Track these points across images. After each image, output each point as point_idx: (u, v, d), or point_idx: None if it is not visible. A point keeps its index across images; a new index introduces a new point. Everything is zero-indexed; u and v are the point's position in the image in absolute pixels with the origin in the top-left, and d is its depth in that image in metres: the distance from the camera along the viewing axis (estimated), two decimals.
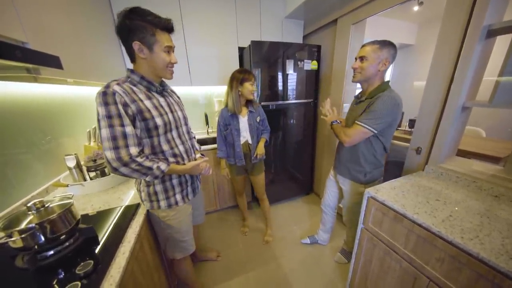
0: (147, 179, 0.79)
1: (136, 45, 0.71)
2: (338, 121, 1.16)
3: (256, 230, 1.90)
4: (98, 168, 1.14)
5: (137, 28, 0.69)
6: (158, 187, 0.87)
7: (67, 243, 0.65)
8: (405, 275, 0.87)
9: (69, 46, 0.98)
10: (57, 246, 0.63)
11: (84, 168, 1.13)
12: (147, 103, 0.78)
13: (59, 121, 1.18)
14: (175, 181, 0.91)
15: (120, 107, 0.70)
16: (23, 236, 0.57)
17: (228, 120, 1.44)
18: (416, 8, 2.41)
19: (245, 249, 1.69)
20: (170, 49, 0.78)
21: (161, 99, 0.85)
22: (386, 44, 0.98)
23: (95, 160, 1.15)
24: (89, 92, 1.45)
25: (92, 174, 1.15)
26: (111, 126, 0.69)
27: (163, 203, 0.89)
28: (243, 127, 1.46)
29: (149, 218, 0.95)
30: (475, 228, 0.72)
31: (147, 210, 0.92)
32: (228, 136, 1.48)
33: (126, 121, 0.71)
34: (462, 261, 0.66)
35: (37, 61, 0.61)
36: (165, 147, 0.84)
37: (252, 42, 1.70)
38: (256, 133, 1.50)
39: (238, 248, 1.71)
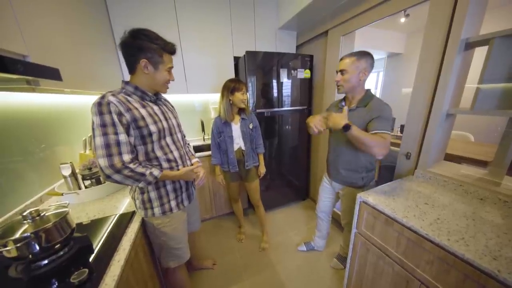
0: (140, 185, 0.81)
1: (143, 62, 0.77)
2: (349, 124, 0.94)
3: (252, 237, 1.89)
4: (93, 176, 1.14)
5: (147, 49, 0.76)
6: (153, 194, 0.89)
7: (61, 252, 0.65)
8: (398, 279, 0.89)
9: (68, 57, 1.01)
10: (52, 255, 0.63)
11: (79, 177, 1.13)
12: (142, 111, 0.80)
13: (55, 130, 1.19)
14: (169, 187, 0.92)
15: (115, 116, 0.72)
16: (18, 245, 0.57)
17: (221, 127, 1.47)
18: (403, 19, 2.55)
19: (242, 257, 1.68)
20: (171, 69, 0.86)
21: (155, 107, 0.88)
22: (363, 54, 1.03)
23: (90, 168, 1.15)
24: (85, 101, 1.47)
25: (87, 182, 1.15)
26: (105, 134, 0.72)
27: (157, 210, 0.90)
28: (236, 134, 1.49)
29: (144, 226, 0.95)
30: (461, 230, 0.75)
31: (142, 218, 0.92)
32: (221, 143, 1.51)
33: (120, 129, 0.74)
34: (450, 263, 0.69)
35: (38, 74, 0.63)
36: (159, 153, 0.86)
37: (247, 52, 1.76)
38: (249, 139, 1.53)
39: (234, 256, 1.69)
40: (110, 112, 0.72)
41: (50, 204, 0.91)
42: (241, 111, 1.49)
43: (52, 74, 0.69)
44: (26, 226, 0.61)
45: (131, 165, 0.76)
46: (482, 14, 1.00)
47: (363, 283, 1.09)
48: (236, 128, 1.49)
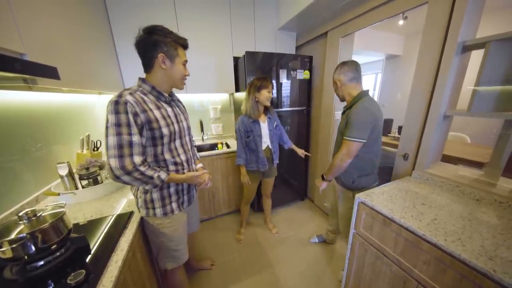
0: (147, 187, 0.81)
1: (161, 57, 0.78)
2: (323, 175, 1.26)
3: (250, 237, 1.89)
4: (90, 176, 1.13)
5: (163, 43, 0.78)
6: (155, 195, 0.88)
7: (58, 253, 0.64)
8: (395, 279, 0.89)
9: (66, 55, 1.00)
10: (48, 256, 0.62)
11: (77, 176, 1.12)
12: (156, 113, 0.80)
13: (52, 128, 1.17)
14: (172, 189, 0.92)
15: (130, 116, 0.72)
16: (13, 246, 0.56)
17: (250, 126, 1.46)
18: (401, 22, 2.57)
19: (240, 257, 1.68)
20: (185, 63, 0.87)
21: (169, 109, 0.88)
22: (336, 67, 1.19)
23: (87, 168, 1.14)
24: (83, 100, 1.45)
25: (85, 182, 1.14)
26: (119, 134, 0.71)
27: (158, 211, 0.90)
28: (264, 132, 1.51)
29: (143, 226, 0.95)
30: (457, 230, 0.76)
31: (141, 218, 0.92)
32: (250, 143, 1.50)
33: (134, 130, 0.73)
34: (446, 263, 0.69)
35: (36, 73, 0.62)
36: (167, 156, 0.87)
37: (247, 52, 1.76)
38: (274, 138, 1.56)
39: (233, 256, 1.69)
40: (126, 112, 0.71)
41: (46, 204, 0.90)
42: (266, 110, 1.52)
43: (50, 72, 0.68)
44: (22, 227, 0.60)
45: (142, 168, 0.75)
46: (479, 18, 1.02)
47: (361, 283, 1.10)
48: (264, 126, 1.50)
